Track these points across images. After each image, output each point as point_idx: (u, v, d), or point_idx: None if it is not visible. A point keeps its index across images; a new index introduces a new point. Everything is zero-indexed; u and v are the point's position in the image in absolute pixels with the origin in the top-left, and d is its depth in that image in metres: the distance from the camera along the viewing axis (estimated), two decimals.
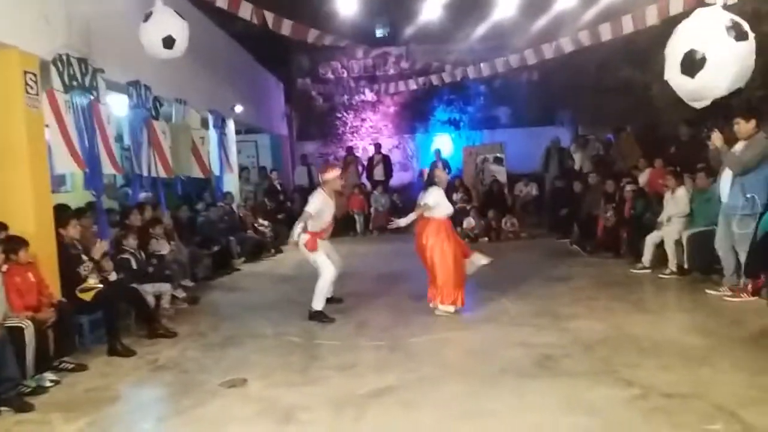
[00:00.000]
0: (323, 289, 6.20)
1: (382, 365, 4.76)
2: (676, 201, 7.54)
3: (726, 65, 4.64)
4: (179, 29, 6.46)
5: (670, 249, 7.41)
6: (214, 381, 4.57)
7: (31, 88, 5.46)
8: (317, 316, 6.15)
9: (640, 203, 8.58)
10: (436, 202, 6.20)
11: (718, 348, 4.69)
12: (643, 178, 9.54)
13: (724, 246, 6.26)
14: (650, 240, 7.76)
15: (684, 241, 7.18)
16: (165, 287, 6.50)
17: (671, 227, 7.49)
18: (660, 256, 7.64)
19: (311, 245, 6.14)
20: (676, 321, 5.69)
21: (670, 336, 5.07)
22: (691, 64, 4.75)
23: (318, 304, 6.19)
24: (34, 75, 5.52)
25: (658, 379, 4.09)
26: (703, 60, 4.71)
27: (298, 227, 6.10)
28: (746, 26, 4.65)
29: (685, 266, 7.21)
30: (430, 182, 6.39)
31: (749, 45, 4.62)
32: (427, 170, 6.88)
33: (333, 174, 6.38)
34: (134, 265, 6.37)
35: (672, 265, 7.38)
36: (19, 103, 5.32)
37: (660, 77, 5.64)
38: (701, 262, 6.91)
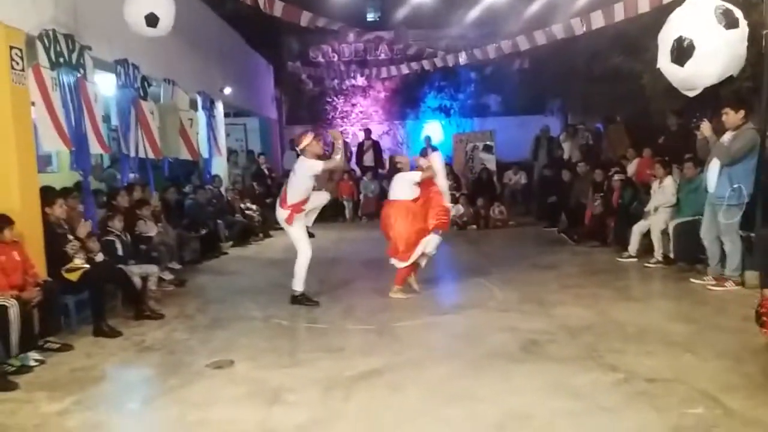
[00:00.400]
0: (302, 268, 6.11)
1: (370, 349, 4.78)
2: (663, 190, 7.60)
3: (715, 53, 4.66)
4: (163, 7, 6.33)
5: (656, 238, 7.47)
6: (201, 362, 4.56)
7: (17, 63, 5.36)
8: (300, 300, 6.10)
9: (628, 193, 8.63)
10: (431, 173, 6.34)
11: (702, 335, 4.74)
12: (631, 167, 9.59)
13: (709, 236, 6.32)
14: (637, 229, 7.82)
15: (670, 231, 7.25)
16: (152, 269, 6.46)
17: (658, 217, 7.55)
18: (646, 246, 7.70)
19: (289, 219, 6.06)
20: (661, 308, 5.76)
21: (655, 323, 5.13)
22: (680, 52, 4.78)
23: (299, 285, 6.12)
24: (20, 50, 5.41)
25: (641, 364, 4.14)
26: (692, 48, 4.73)
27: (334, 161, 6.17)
28: (738, 14, 4.66)
29: (671, 255, 7.27)
30: (394, 170, 6.58)
31: (740, 33, 4.63)
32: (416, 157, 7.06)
33: (307, 139, 6.07)
34: (119, 249, 6.31)
35: (658, 254, 7.44)
36: (5, 79, 5.22)
37: (651, 66, 5.66)
38: (687, 251, 6.97)
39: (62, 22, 6.16)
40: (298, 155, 6.22)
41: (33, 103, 5.73)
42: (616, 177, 8.96)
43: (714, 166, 6.11)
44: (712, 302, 5.70)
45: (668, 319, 5.25)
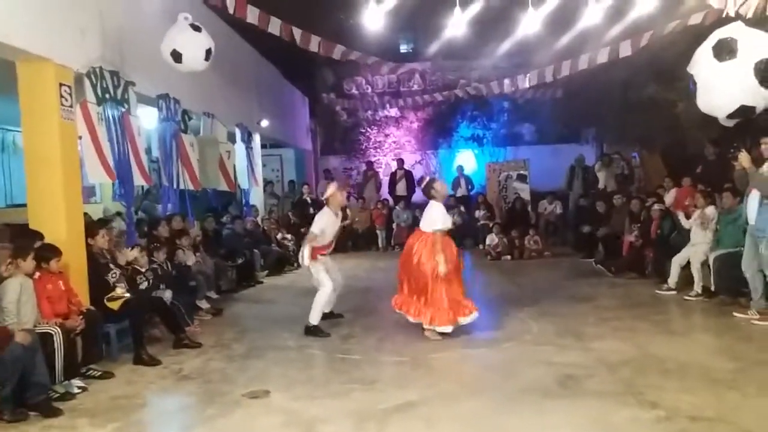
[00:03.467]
0: (320, 303, 6.23)
1: (404, 380, 4.77)
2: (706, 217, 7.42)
3: (712, 87, 4.62)
4: (187, 44, 6.46)
5: (696, 270, 7.31)
6: (237, 392, 4.61)
7: (66, 100, 5.61)
8: (313, 332, 6.17)
9: (667, 223, 8.49)
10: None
11: (746, 372, 4.61)
12: (669, 197, 9.43)
13: (751, 268, 6.16)
14: (676, 261, 7.66)
15: (710, 263, 7.08)
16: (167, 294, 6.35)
17: (697, 248, 7.39)
18: (686, 278, 7.54)
19: (310, 259, 6.17)
20: (702, 343, 5.61)
21: (696, 358, 5.00)
22: (692, 89, 4.80)
23: (314, 318, 6.22)
24: (69, 87, 5.67)
25: (683, 401, 4.03)
26: (695, 84, 4.75)
27: (305, 251, 6.13)
28: (738, 44, 4.57)
29: (712, 288, 7.09)
30: (428, 195, 6.19)
31: (737, 63, 4.54)
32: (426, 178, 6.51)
33: (332, 190, 6.44)
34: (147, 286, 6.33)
35: (698, 287, 7.27)
36: (55, 115, 5.46)
37: (685, 95, 5.62)
38: (728, 284, 6.79)
39: (108, 59, 6.43)
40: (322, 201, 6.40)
41: (80, 137, 5.97)
42: (655, 207, 8.82)
43: (754, 197, 5.99)
44: (757, 337, 5.54)
45: (710, 355, 5.11)
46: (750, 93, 4.61)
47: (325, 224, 6.27)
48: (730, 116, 4.89)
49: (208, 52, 6.57)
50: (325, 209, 6.39)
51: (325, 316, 6.43)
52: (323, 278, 6.26)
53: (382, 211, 13.73)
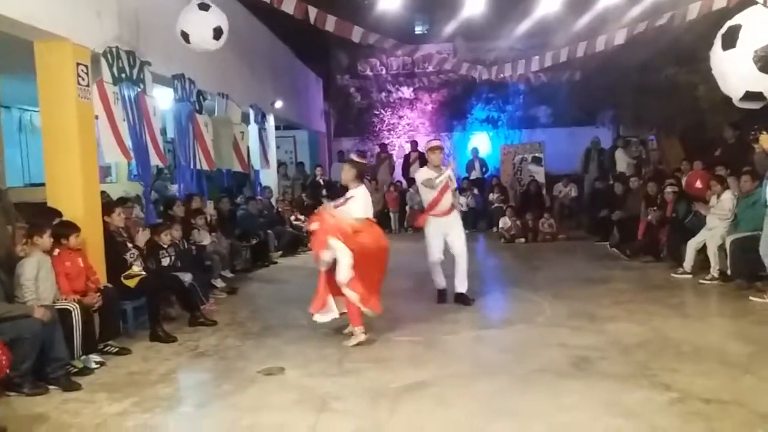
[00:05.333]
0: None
1: (417, 360, 4.80)
2: (721, 205, 7.35)
3: (719, 74, 4.69)
4: (191, 23, 6.30)
5: (712, 254, 7.24)
6: (252, 368, 4.67)
7: (83, 79, 5.64)
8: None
9: (682, 206, 8.40)
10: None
11: (762, 355, 4.58)
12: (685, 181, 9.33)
13: None
14: (692, 244, 7.59)
15: (727, 246, 7.01)
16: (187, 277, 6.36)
17: (714, 231, 7.32)
18: (702, 261, 7.48)
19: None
20: (718, 327, 5.58)
21: (711, 342, 4.97)
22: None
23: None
24: (86, 67, 5.70)
25: (697, 384, 4.02)
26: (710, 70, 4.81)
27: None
28: (741, 31, 4.56)
29: (728, 272, 7.03)
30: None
31: (737, 51, 4.54)
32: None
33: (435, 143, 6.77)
34: (169, 262, 6.39)
35: (714, 270, 7.20)
36: (72, 94, 5.50)
37: (707, 78, 5.55)
38: (745, 268, 6.72)
39: (125, 40, 6.44)
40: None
41: (96, 117, 6.01)
42: (668, 189, 8.74)
43: None
44: None
45: (726, 338, 5.09)
46: (752, 79, 4.63)
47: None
48: (741, 100, 4.89)
49: (217, 30, 6.31)
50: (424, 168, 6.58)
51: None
52: (428, 246, 6.45)
53: (395, 194, 13.72)
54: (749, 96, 4.69)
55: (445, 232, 6.44)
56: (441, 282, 6.63)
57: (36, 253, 4.70)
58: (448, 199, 6.41)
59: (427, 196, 6.42)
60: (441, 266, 6.55)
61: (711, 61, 4.81)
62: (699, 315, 6.10)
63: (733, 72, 4.64)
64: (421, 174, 6.53)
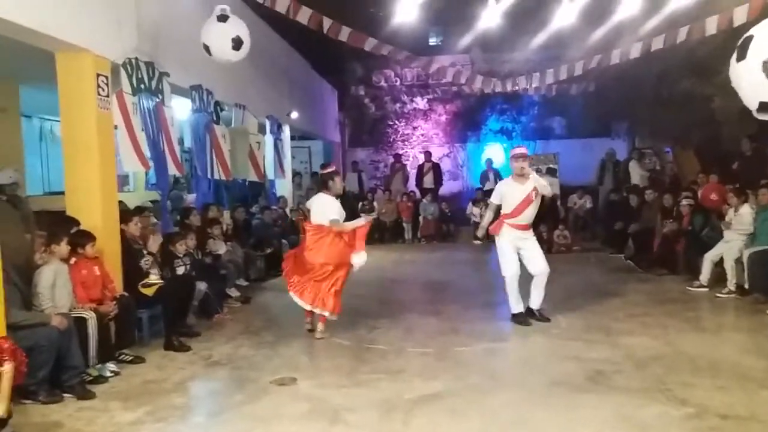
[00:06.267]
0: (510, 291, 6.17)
1: (430, 372, 4.79)
2: (740, 219, 7.27)
3: (736, 87, 4.67)
4: (211, 34, 6.39)
5: (729, 267, 7.16)
6: (265, 378, 4.68)
7: (103, 90, 5.72)
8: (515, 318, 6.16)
9: (699, 219, 8.33)
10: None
11: None
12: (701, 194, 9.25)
13: None
14: (709, 257, 7.51)
15: (744, 260, 6.93)
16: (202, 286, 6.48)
17: (732, 245, 7.24)
18: (718, 275, 7.40)
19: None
20: (734, 341, 5.51)
21: (728, 356, 4.92)
22: None
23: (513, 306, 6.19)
24: (106, 77, 5.78)
25: (713, 399, 3.98)
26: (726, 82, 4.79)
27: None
28: (752, 42, 4.54)
29: (746, 286, 6.95)
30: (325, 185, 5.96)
31: (748, 64, 4.52)
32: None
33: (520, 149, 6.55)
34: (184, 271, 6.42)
35: (731, 284, 7.13)
36: (92, 105, 5.57)
37: (723, 90, 5.52)
38: (763, 282, 6.65)
39: (144, 51, 6.53)
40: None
41: (115, 127, 6.10)
42: (684, 202, 8.67)
43: None
44: None
45: (743, 353, 5.02)
46: (763, 90, 4.62)
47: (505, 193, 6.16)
48: (758, 112, 4.86)
49: (236, 41, 6.35)
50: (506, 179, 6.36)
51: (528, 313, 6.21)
52: (503, 258, 6.12)
53: (409, 204, 13.74)
54: (764, 107, 4.66)
55: (519, 246, 6.11)
56: (518, 305, 6.14)
57: (53, 261, 4.76)
58: (530, 212, 6.06)
59: (509, 201, 6.10)
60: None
61: (729, 73, 4.79)
62: (715, 329, 6.03)
63: (746, 83, 4.63)
64: (501, 186, 6.34)
